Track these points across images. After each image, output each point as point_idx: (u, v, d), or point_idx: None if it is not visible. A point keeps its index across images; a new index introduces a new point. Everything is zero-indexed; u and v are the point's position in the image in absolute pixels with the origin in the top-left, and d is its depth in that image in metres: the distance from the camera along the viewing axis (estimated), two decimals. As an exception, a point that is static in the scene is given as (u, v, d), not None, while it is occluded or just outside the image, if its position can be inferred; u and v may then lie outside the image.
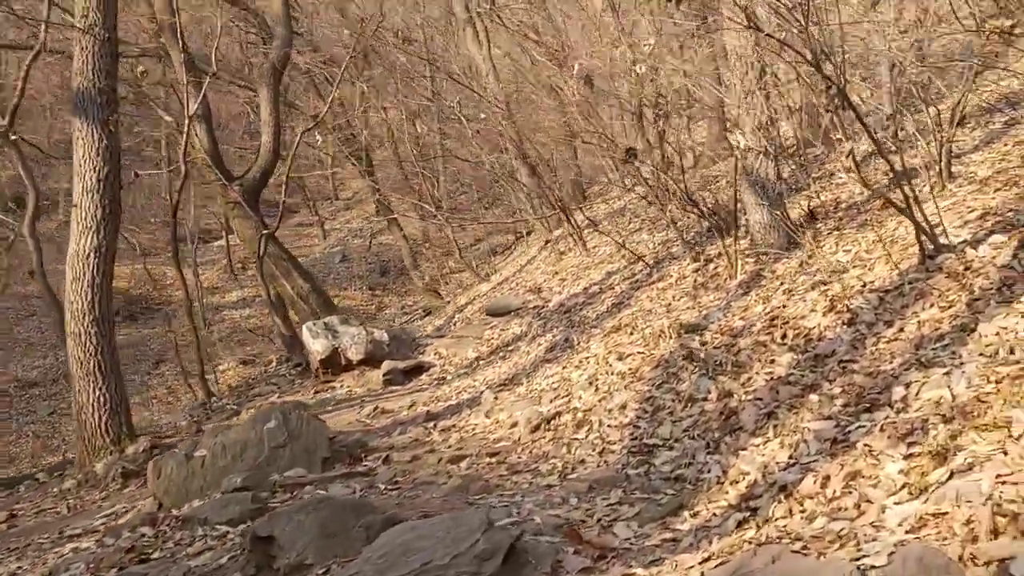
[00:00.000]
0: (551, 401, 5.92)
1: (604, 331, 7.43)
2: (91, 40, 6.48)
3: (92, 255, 6.43)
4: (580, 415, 5.45)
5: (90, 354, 6.34)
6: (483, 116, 15.05)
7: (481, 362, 8.60)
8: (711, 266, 8.03)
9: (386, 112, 22.07)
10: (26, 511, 5.76)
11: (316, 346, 9.30)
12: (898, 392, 3.96)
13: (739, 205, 7.91)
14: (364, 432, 6.24)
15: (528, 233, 19.52)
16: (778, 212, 7.61)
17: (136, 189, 24.60)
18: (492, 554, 3.18)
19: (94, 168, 6.46)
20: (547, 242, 14.59)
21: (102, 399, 6.36)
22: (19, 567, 4.00)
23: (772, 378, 4.80)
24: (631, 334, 6.94)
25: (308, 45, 15.69)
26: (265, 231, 10.72)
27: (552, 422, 5.50)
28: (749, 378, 4.93)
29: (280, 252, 11.48)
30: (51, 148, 23.36)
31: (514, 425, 5.68)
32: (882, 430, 3.77)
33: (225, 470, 4.78)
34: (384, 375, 8.71)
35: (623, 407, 5.31)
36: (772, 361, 5.00)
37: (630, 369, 5.97)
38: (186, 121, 10.04)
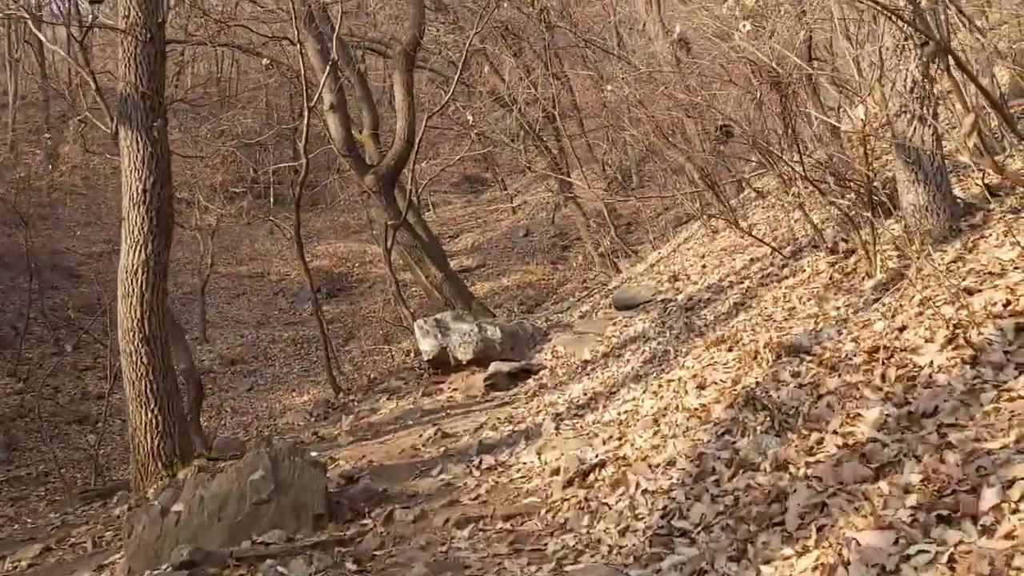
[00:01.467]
0: (604, 442, 4.87)
1: (706, 342, 6.19)
2: (132, 42, 6.10)
3: (140, 270, 6.08)
4: (622, 469, 4.37)
5: (141, 374, 6.04)
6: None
7: (588, 367, 7.60)
8: (851, 260, 6.52)
9: (567, 82, 21.13)
10: (64, 542, 5.60)
11: (424, 345, 8.69)
12: (989, 498, 2.64)
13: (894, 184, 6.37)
14: (407, 465, 5.51)
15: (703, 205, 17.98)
16: (936, 190, 6.02)
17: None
18: None
19: (139, 178, 6.08)
20: (709, 217, 13.15)
21: (154, 422, 6.05)
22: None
23: (846, 445, 3.49)
24: (730, 350, 5.68)
25: (453, 23, 15.03)
26: (391, 222, 10.23)
27: (590, 476, 4.46)
28: (820, 440, 3.64)
29: (412, 240, 10.97)
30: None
31: (555, 473, 4.70)
32: (949, 564, 2.50)
33: (201, 529, 4.21)
34: (486, 380, 7.94)
35: (671, 464, 4.18)
36: (856, 416, 3.67)
37: (702, 405, 4.78)
38: (306, 113, 9.71)
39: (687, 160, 10.64)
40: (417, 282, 11.40)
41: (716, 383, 5.05)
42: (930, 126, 6.04)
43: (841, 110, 6.30)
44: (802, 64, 5.11)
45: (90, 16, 8.87)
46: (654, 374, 6.06)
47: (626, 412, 5.36)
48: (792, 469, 3.53)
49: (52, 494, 11.40)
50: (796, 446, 3.68)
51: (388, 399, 8.67)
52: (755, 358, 5.13)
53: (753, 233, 7.97)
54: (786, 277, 7.02)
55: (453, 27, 16.69)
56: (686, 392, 5.12)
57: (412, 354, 11.69)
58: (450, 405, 7.64)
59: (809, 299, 6.23)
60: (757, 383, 4.71)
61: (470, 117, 13.53)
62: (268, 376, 17.96)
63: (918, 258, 5.62)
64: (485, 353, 8.56)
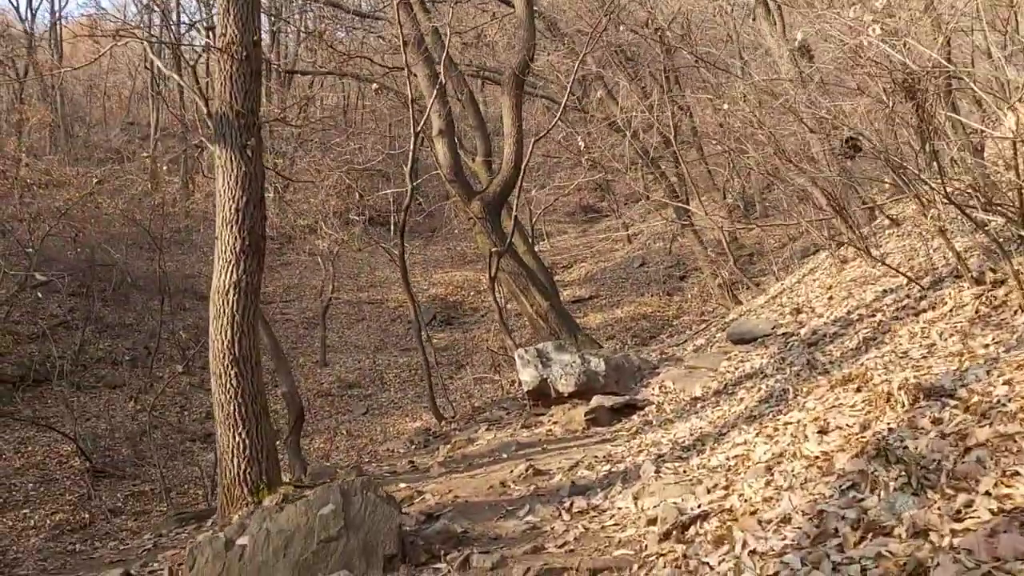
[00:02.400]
0: (708, 491, 4.29)
1: (831, 381, 5.52)
2: (229, 60, 6.00)
3: (232, 291, 5.91)
4: (727, 524, 3.80)
5: (230, 396, 5.84)
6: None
7: (698, 405, 6.99)
8: (1000, 291, 5.72)
9: (687, 107, 20.53)
10: (147, 567, 5.42)
11: (524, 376, 8.27)
12: None
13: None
14: (494, 503, 5.07)
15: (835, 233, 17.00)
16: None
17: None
18: None
19: (232, 197, 5.95)
20: (838, 246, 12.24)
21: (241, 445, 5.83)
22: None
23: (1002, 510, 2.85)
24: (858, 390, 5.01)
25: (568, 49, 14.71)
26: (495, 249, 9.92)
27: (690, 529, 3.90)
28: (969, 503, 3.00)
29: (517, 268, 10.62)
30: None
31: (651, 522, 4.16)
32: None
33: (265, 566, 3.87)
34: (587, 414, 7.44)
35: (785, 520, 3.58)
36: (1014, 475, 3.02)
37: (823, 453, 4.15)
38: (412, 138, 9.56)
39: (813, 184, 9.89)
40: (522, 311, 11.04)
41: (841, 428, 4.41)
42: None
43: (988, 120, 5.55)
44: (942, 61, 4.45)
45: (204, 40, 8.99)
46: (770, 415, 5.42)
47: (736, 457, 4.77)
48: (934, 537, 2.90)
49: (173, 509, 11.58)
50: (939, 509, 3.04)
51: (487, 429, 8.29)
52: (888, 400, 4.46)
53: (887, 262, 7.17)
54: (924, 310, 6.25)
55: (568, 52, 16.39)
56: (805, 437, 4.49)
57: (517, 384, 11.32)
58: (548, 439, 7.18)
59: (951, 335, 5.47)
60: (890, 430, 4.06)
61: (581, 143, 13.13)
62: (383, 400, 18.00)
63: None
64: (587, 386, 8.07)
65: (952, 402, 4.10)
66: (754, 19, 17.10)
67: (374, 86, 12.71)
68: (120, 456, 14.98)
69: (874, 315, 7.02)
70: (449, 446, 7.71)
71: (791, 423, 4.92)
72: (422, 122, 9.69)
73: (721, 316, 17.21)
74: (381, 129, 30.68)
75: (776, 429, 4.92)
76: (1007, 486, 2.99)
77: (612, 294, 21.88)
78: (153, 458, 14.68)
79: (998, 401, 3.79)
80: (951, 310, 5.89)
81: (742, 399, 6.31)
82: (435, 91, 10.15)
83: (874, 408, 4.52)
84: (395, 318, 23.32)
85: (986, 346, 4.90)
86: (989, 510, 2.89)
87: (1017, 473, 3.02)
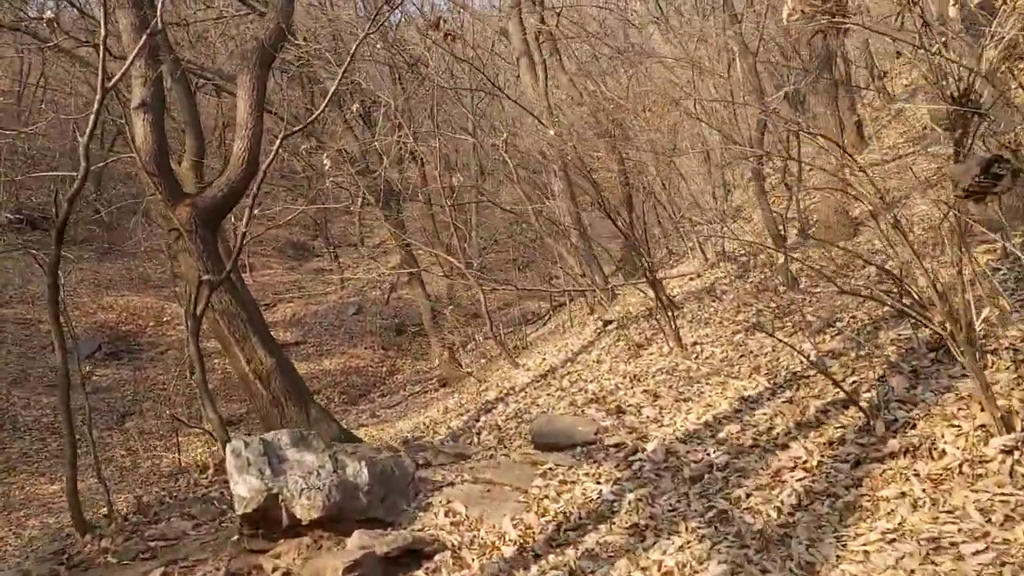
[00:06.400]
0: None
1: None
2: None
3: None
4: None
5: None
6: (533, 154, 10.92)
7: (529, 562, 4.07)
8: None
9: (421, 160, 18.01)
10: None
11: (240, 488, 4.78)
12: None
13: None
14: None
15: (570, 302, 15.30)
16: None
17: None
18: None
19: None
20: (607, 324, 10.15)
21: None
22: None
23: None
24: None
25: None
26: (207, 277, 6.34)
27: None
28: None
29: (235, 308, 7.05)
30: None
31: None
32: None
33: None
34: (347, 571, 4.18)
35: None
36: None
37: None
38: (98, 97, 5.76)
39: (633, 242, 7.67)
40: (232, 365, 7.46)
41: None
42: None
43: None
44: None
45: None
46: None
47: None
48: None
49: None
50: None
51: (163, 569, 4.66)
52: None
53: (828, 373, 4.85)
54: (895, 454, 3.92)
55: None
56: None
57: (212, 469, 7.60)
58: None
59: (1005, 521, 3.14)
60: None
61: (327, 161, 9.92)
62: (14, 452, 13.03)
63: None
64: (340, 507, 4.82)
65: None
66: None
67: (48, 14, 8.45)
68: None
69: (778, 439, 4.63)
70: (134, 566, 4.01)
71: None
72: (115, 79, 5.92)
73: (439, 379, 14.75)
74: (64, 123, 24.44)
75: None
76: None
77: (321, 342, 18.41)
78: None
79: None
80: (961, 465, 3.61)
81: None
82: (142, 45, 6.42)
83: None
84: (47, 345, 17.76)
85: None
86: None
87: None
